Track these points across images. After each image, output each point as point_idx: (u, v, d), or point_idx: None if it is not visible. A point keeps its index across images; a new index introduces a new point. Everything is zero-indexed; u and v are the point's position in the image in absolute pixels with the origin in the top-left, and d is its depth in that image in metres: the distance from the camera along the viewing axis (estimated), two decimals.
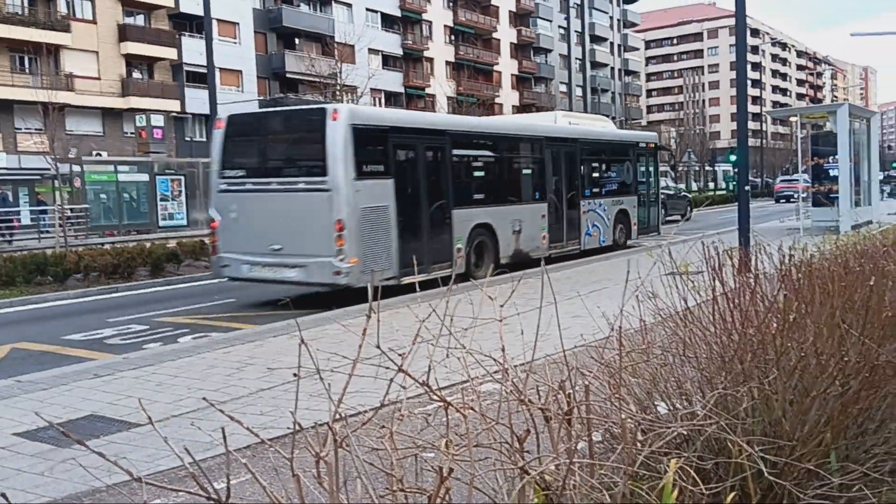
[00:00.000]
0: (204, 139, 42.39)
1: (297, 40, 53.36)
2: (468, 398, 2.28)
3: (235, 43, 48.37)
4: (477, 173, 15.09)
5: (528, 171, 16.41)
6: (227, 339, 9.16)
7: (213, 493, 1.70)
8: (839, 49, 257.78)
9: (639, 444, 2.50)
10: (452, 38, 67.22)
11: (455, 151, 13.92)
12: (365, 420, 2.04)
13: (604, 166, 19.68)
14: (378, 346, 2.06)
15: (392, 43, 60.77)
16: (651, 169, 20.84)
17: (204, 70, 25.44)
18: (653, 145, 21.21)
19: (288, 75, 50.92)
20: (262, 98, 48.98)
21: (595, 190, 18.58)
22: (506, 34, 73.15)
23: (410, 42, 62.26)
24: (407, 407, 2.16)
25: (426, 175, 13.32)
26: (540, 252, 15.58)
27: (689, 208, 34.14)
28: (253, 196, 12.29)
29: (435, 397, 2.16)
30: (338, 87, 24.19)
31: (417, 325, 2.21)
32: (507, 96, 72.51)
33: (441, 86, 60.90)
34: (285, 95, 49.37)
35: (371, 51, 54.22)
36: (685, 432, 2.64)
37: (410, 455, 2.17)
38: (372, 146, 12.27)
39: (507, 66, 73.18)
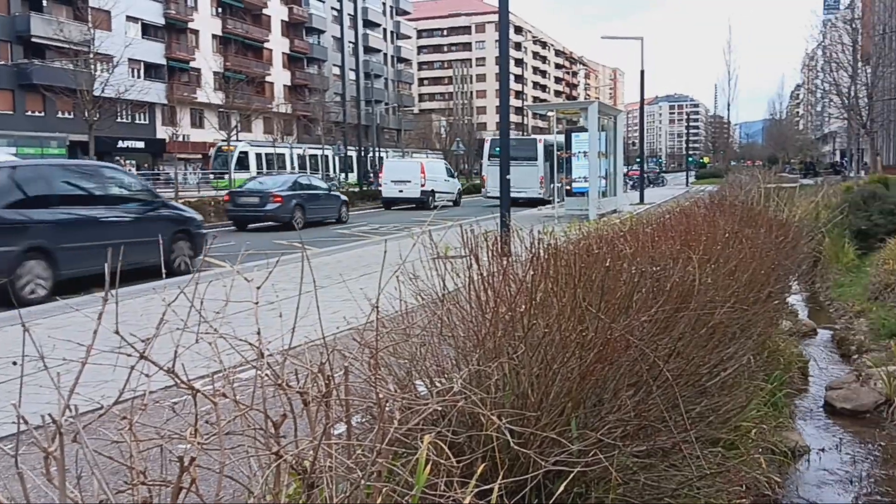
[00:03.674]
0: None
1: (44, 2, 48.47)
2: (219, 385, 2.19)
3: None
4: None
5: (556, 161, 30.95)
6: None
7: None
8: (596, 50, 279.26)
9: (396, 423, 2.54)
10: (220, 10, 64.49)
11: (556, 152, 25.82)
12: (102, 412, 1.89)
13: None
14: (117, 332, 1.91)
15: (153, 11, 57.06)
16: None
17: None
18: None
19: (34, 40, 46.01)
20: (3, 63, 43.99)
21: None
22: (277, 11, 71.45)
23: (173, 12, 58.78)
24: (152, 397, 2.04)
25: (551, 161, 27.26)
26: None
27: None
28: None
29: (182, 385, 2.05)
30: (90, 56, 22.24)
31: (164, 309, 2.09)
32: (279, 75, 71.02)
33: (206, 60, 58.29)
34: (31, 62, 44.63)
35: (130, 18, 50.64)
36: (440, 408, 2.72)
37: (155, 447, 2.05)
38: (546, 151, 30.81)
39: (278, 44, 71.57)
